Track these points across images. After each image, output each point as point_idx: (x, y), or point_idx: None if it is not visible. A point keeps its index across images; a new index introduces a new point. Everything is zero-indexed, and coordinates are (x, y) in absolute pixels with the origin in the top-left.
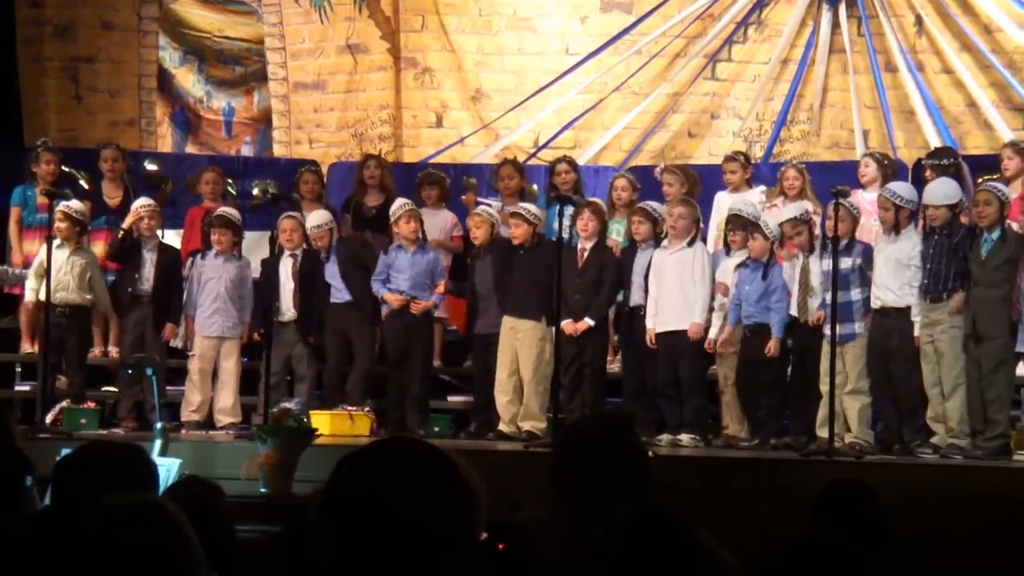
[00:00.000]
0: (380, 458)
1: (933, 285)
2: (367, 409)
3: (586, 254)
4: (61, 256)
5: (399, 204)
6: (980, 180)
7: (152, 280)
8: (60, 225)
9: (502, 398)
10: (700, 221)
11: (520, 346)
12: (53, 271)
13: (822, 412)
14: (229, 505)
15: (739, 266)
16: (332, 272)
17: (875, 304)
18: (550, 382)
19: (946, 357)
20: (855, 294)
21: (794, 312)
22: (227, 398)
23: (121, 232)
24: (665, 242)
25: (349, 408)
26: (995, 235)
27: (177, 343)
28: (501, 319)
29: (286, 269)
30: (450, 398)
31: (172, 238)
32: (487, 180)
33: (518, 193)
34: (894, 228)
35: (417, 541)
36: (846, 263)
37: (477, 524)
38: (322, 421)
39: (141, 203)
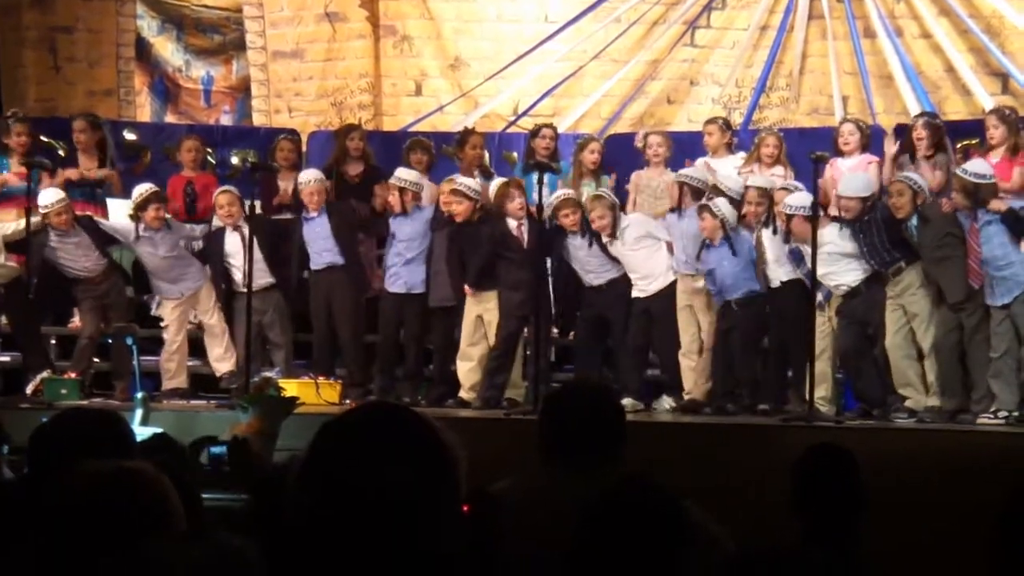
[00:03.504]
0: (361, 423)
1: (882, 264)
2: (334, 377)
3: (526, 233)
4: None
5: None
6: (959, 146)
7: (101, 258)
8: None
9: (464, 365)
10: (616, 207)
11: (488, 316)
12: None
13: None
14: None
15: (705, 247)
16: (317, 233)
17: (840, 292)
18: (524, 349)
19: (920, 318)
20: None
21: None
22: (218, 347)
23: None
24: (605, 237)
25: (315, 376)
26: (913, 222)
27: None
28: (452, 292)
29: (234, 242)
30: (430, 366)
31: None
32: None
33: (478, 164)
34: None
35: (397, 506)
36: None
37: (458, 489)
38: (288, 389)
39: (51, 200)
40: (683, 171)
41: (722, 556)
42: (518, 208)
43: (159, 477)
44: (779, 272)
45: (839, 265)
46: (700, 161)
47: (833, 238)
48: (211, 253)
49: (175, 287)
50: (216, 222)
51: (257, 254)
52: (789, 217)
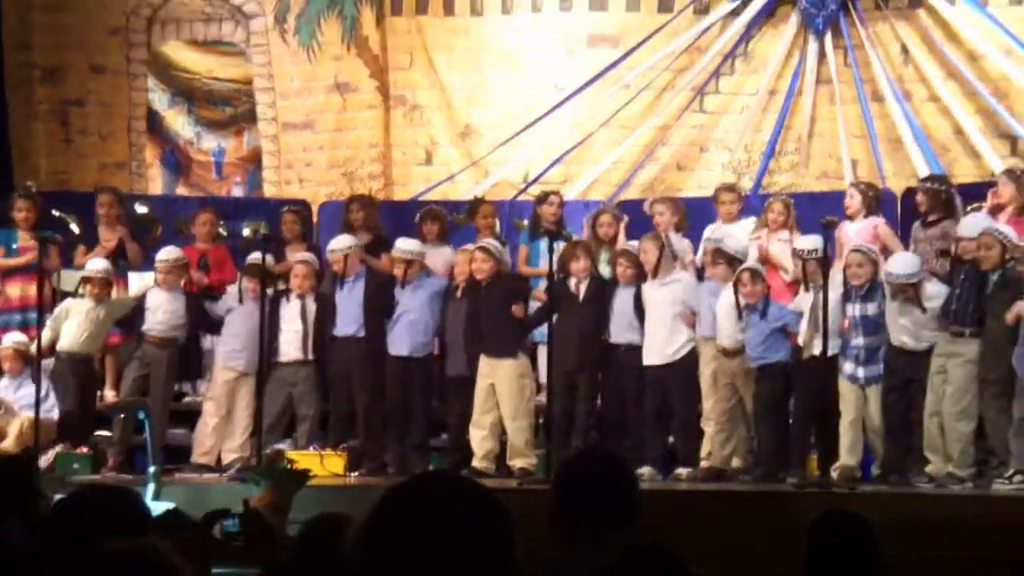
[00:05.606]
0: (425, 492)
1: (957, 320)
2: (340, 449)
3: (584, 289)
4: (84, 307)
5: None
6: (968, 208)
7: (175, 324)
8: (94, 291)
9: (477, 434)
10: (673, 253)
11: (500, 384)
12: (74, 321)
13: (844, 440)
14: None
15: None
16: (348, 299)
17: (896, 343)
18: (535, 418)
19: (955, 387)
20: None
21: (801, 343)
22: (238, 436)
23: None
24: (647, 275)
25: (320, 449)
26: (996, 276)
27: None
28: (468, 360)
29: (291, 311)
30: (444, 435)
31: None
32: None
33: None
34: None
35: (463, 573)
36: (872, 308)
37: (515, 557)
38: (298, 461)
39: (172, 256)
40: (722, 239)
41: None
42: (581, 269)
43: (172, 556)
44: (827, 342)
45: (928, 326)
46: (710, 227)
47: (937, 293)
48: (271, 319)
49: (253, 358)
50: (233, 291)
51: (299, 326)
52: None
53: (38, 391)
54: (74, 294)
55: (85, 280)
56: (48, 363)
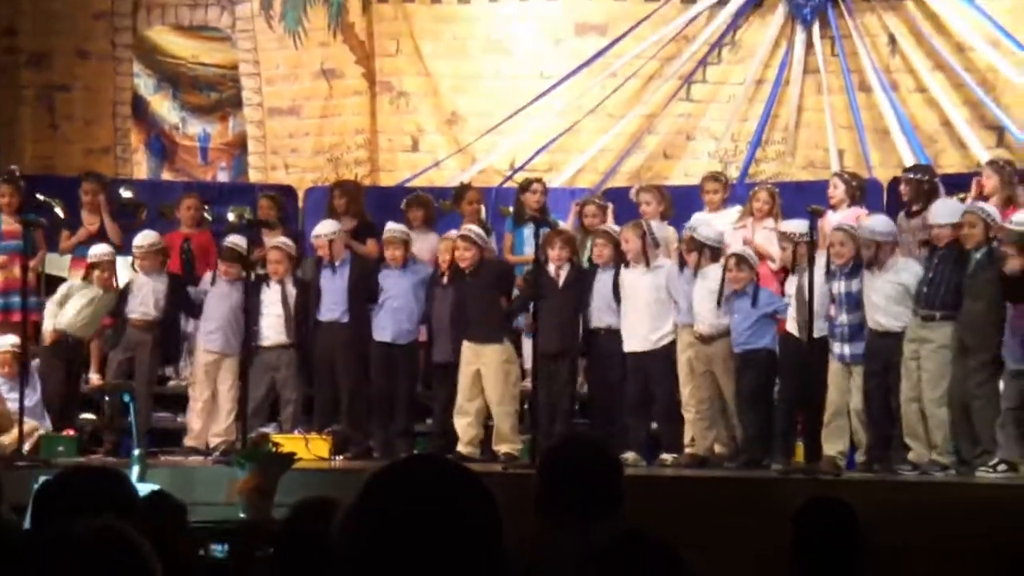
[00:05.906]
0: (411, 475)
1: (927, 304)
2: (325, 433)
3: (563, 276)
4: (89, 293)
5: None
6: (954, 199)
7: (158, 307)
8: (102, 275)
9: (462, 420)
10: (655, 241)
11: (485, 370)
12: (75, 305)
13: (830, 426)
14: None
15: (728, 296)
16: (332, 285)
17: (880, 329)
18: (519, 404)
19: (930, 373)
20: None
21: (792, 329)
22: (223, 419)
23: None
24: (631, 263)
25: (304, 432)
26: (980, 254)
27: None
28: (453, 347)
29: (272, 295)
30: (429, 420)
31: None
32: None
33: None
34: (876, 262)
35: (449, 555)
36: (856, 285)
37: (501, 540)
38: (283, 445)
39: (147, 242)
40: (696, 227)
41: None
42: (558, 257)
43: (138, 538)
44: (817, 324)
45: (902, 304)
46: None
47: (915, 271)
48: (248, 305)
49: (218, 339)
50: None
51: (280, 310)
52: (879, 244)
53: (23, 380)
54: (83, 279)
55: (92, 266)
56: (35, 364)
